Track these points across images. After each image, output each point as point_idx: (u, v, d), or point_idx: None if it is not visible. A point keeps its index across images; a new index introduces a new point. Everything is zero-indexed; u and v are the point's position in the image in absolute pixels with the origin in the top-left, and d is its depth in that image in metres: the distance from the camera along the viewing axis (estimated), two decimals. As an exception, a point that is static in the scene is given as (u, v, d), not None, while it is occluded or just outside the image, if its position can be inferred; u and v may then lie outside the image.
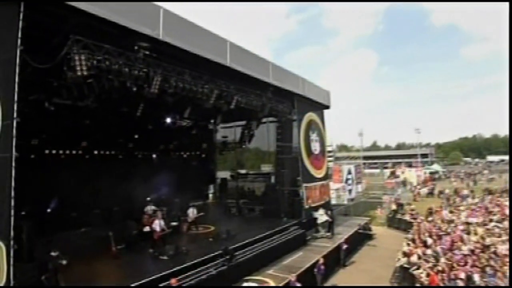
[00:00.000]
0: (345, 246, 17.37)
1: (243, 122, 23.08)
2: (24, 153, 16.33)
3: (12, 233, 8.60)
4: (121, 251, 14.27)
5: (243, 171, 32.68)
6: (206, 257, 13.73)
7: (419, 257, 14.07)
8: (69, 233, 17.19)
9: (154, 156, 22.63)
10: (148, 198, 21.05)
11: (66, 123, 16.35)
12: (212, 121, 24.70)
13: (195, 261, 13.26)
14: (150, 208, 17.74)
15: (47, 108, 13.11)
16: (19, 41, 8.80)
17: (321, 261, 14.86)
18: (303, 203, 20.94)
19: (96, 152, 18.95)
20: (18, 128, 11.95)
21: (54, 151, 17.27)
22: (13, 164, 8.85)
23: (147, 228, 15.74)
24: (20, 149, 15.95)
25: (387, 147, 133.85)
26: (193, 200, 25.07)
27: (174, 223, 17.86)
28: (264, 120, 24.70)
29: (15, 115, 8.83)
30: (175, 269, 12.41)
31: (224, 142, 24.76)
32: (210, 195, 28.49)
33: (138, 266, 12.87)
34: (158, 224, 14.55)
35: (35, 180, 16.54)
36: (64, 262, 9.81)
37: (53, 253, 9.74)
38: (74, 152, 18.08)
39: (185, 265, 12.76)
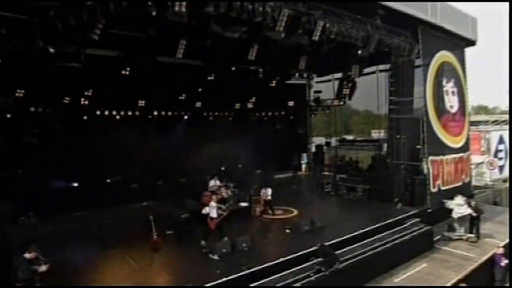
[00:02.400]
0: (504, 261, 10.80)
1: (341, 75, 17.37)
2: (75, 115, 14.51)
3: None
4: (167, 239, 11.16)
5: (348, 137, 27.17)
6: (272, 263, 9.41)
7: None
8: (129, 207, 15.13)
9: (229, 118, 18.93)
10: (223, 168, 17.91)
11: (114, 78, 13.62)
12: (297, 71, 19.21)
13: (254, 269, 9.06)
14: (214, 184, 14.23)
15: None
16: None
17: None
18: (429, 185, 14.57)
19: (156, 112, 16.06)
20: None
21: (107, 112, 14.90)
22: None
23: (206, 210, 12.11)
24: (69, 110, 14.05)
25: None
26: (279, 172, 21.13)
27: (244, 204, 14.09)
28: (370, 70, 18.49)
29: None
30: (221, 280, 8.50)
31: (317, 99, 19.32)
32: (303, 166, 23.89)
33: (173, 267, 9.39)
34: (214, 209, 10.78)
35: (88, 146, 14.67)
36: (44, 268, 6.68)
37: (27, 255, 6.66)
38: (130, 113, 15.49)
39: (235, 275, 8.70)
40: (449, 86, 15.94)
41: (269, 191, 13.61)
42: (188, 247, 10.74)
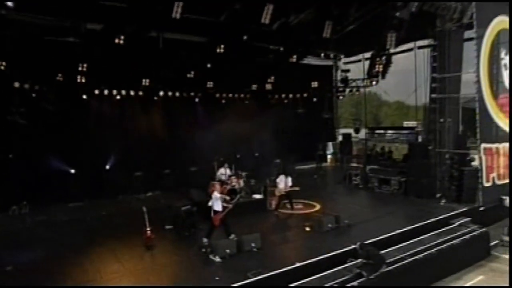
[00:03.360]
0: None
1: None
2: (71, 94, 13.09)
3: None
4: (164, 235, 9.66)
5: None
6: (287, 268, 7.55)
7: None
8: (131, 197, 13.72)
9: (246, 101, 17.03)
10: (238, 156, 16.16)
11: (114, 54, 12.06)
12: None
13: (263, 275, 7.24)
14: (222, 172, 12.51)
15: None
16: None
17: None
18: (481, 178, 12.12)
19: (162, 93, 14.43)
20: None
21: (106, 92, 13.44)
22: None
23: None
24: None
25: None
26: (301, 163, 19.12)
27: (258, 196, 12.29)
28: (406, 47, 16.08)
29: None
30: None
31: (344, 79, 16.99)
32: (329, 157, 21.73)
33: (162, 270, 7.67)
34: (218, 201, 9.03)
35: (85, 129, 13.32)
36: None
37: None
38: (133, 93, 13.96)
39: (239, 284, 6.90)
40: (507, 59, 13.25)
41: (290, 180, 11.71)
42: (187, 245, 9.10)
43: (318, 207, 12.41)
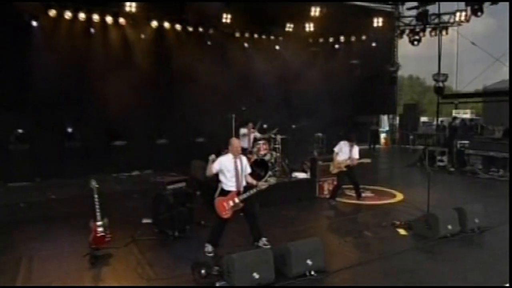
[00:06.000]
0: None
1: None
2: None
3: None
4: (137, 235, 5.35)
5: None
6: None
7: None
8: (108, 177, 9.45)
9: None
10: (265, 126, 11.78)
11: None
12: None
13: None
14: (245, 132, 8.10)
15: None
16: None
17: None
18: None
19: (155, 23, 10.10)
20: None
21: (82, 15, 9.10)
22: None
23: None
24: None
25: None
26: (351, 141, 14.38)
27: (301, 175, 7.79)
28: None
29: None
30: None
31: (423, 13, 11.74)
32: (383, 136, 16.80)
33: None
34: (223, 172, 4.67)
35: (33, 70, 9.08)
36: None
37: None
38: (110, 20, 9.62)
39: None
40: None
41: (356, 150, 7.21)
42: (173, 257, 4.73)
43: (400, 196, 7.83)
